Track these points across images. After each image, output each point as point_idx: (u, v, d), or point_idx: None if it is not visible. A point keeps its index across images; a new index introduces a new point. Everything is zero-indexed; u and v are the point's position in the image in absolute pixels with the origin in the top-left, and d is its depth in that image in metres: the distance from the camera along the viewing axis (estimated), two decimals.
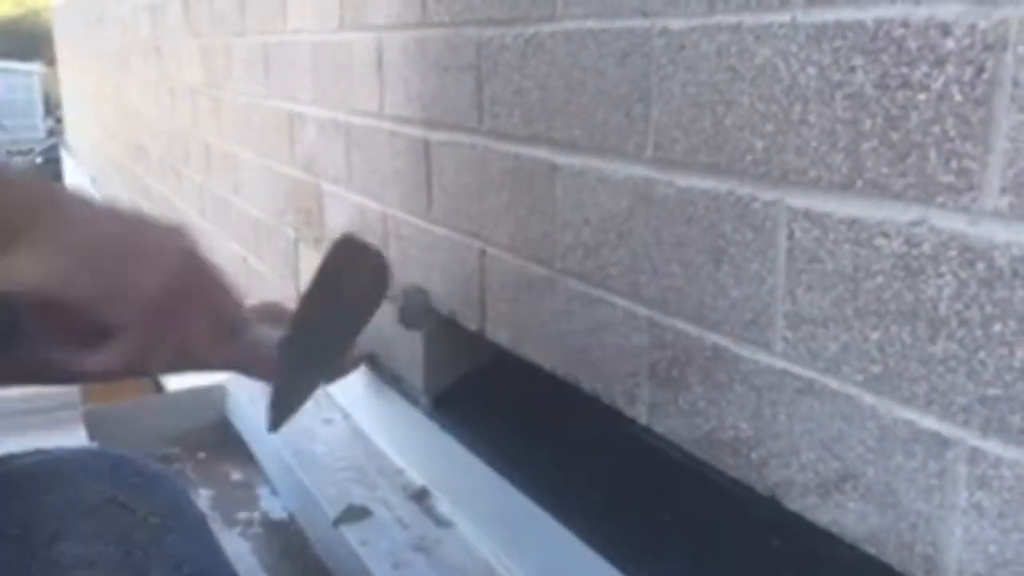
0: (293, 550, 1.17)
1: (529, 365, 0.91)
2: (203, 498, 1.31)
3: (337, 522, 1.06)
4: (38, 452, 0.98)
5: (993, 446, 0.47)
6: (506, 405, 1.06)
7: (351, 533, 1.04)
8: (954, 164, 0.48)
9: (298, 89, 1.46)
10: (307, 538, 1.17)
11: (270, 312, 1.12)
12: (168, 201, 2.62)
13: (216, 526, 1.23)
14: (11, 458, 0.96)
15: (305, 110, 1.44)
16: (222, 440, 1.47)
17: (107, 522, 0.87)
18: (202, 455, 1.44)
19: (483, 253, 0.96)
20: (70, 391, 1.41)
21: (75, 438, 1.31)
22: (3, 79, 11.11)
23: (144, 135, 2.93)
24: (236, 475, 1.37)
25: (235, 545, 1.19)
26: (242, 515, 1.26)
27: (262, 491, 1.32)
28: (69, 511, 0.87)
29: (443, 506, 1.08)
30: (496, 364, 1.07)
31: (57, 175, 6.24)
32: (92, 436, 1.34)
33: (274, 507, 1.28)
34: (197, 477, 1.37)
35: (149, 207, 2.93)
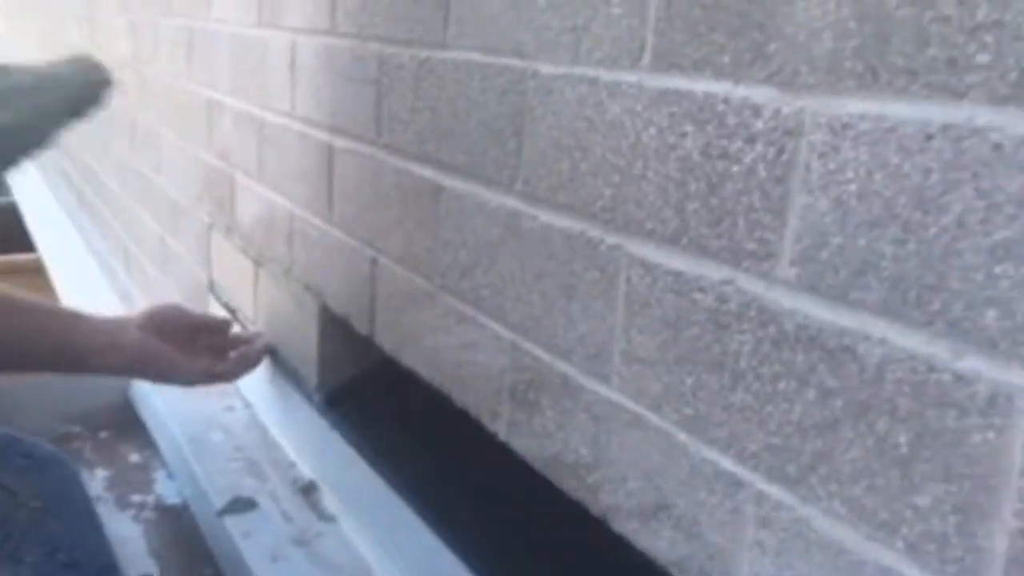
0: (183, 537, 1.20)
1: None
2: (99, 479, 1.33)
3: (222, 512, 1.09)
4: None
5: (775, 491, 0.52)
6: (394, 407, 1.10)
7: (235, 524, 1.07)
8: (757, 234, 0.52)
9: (218, 77, 1.48)
10: (197, 525, 1.20)
11: (165, 316, 1.16)
12: (93, 172, 2.60)
13: (108, 508, 1.25)
14: None
15: (223, 99, 1.46)
16: (124, 421, 1.48)
17: None
18: (103, 435, 1.45)
19: (375, 261, 1.00)
20: None
21: None
22: None
23: None
24: (135, 457, 1.39)
25: (125, 529, 1.21)
26: (136, 498, 1.28)
27: (159, 475, 1.34)
28: None
29: (328, 501, 1.11)
30: (388, 366, 1.11)
31: None
32: None
33: (169, 492, 1.29)
34: (95, 457, 1.39)
35: (75, 175, 2.90)
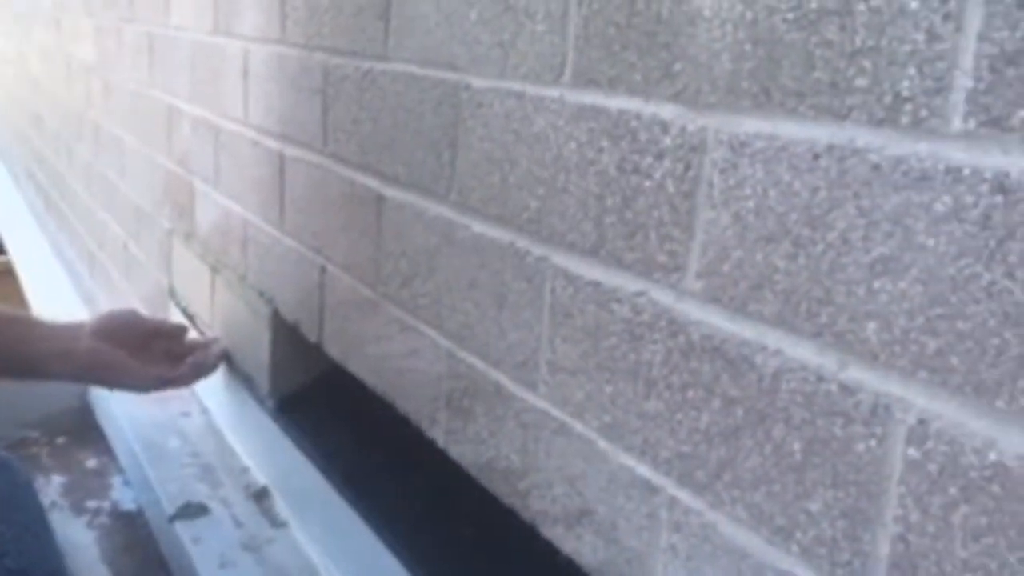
0: (137, 543, 1.20)
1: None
2: (55, 484, 1.33)
3: (173, 518, 1.09)
4: None
5: (685, 496, 0.54)
6: (344, 413, 1.11)
7: (186, 530, 1.07)
8: (667, 247, 0.54)
9: (177, 83, 1.48)
10: (151, 531, 1.20)
11: (120, 322, 1.17)
12: (59, 175, 2.59)
13: (63, 515, 1.25)
14: None
15: (182, 105, 1.46)
16: (83, 426, 1.49)
17: None
18: (61, 440, 1.45)
19: (323, 269, 1.01)
20: None
21: None
22: None
23: (42, 106, 2.88)
24: (92, 463, 1.39)
25: (79, 535, 1.21)
26: (91, 504, 1.28)
27: (115, 480, 1.34)
28: None
29: (280, 507, 1.12)
30: (339, 372, 1.12)
31: None
32: None
33: (125, 498, 1.30)
34: (52, 463, 1.39)
35: (42, 178, 2.89)
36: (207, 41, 1.32)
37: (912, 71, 0.40)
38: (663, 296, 0.55)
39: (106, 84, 2.00)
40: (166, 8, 1.51)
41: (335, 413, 1.11)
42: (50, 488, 1.31)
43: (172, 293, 1.56)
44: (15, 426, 1.45)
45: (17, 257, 2.76)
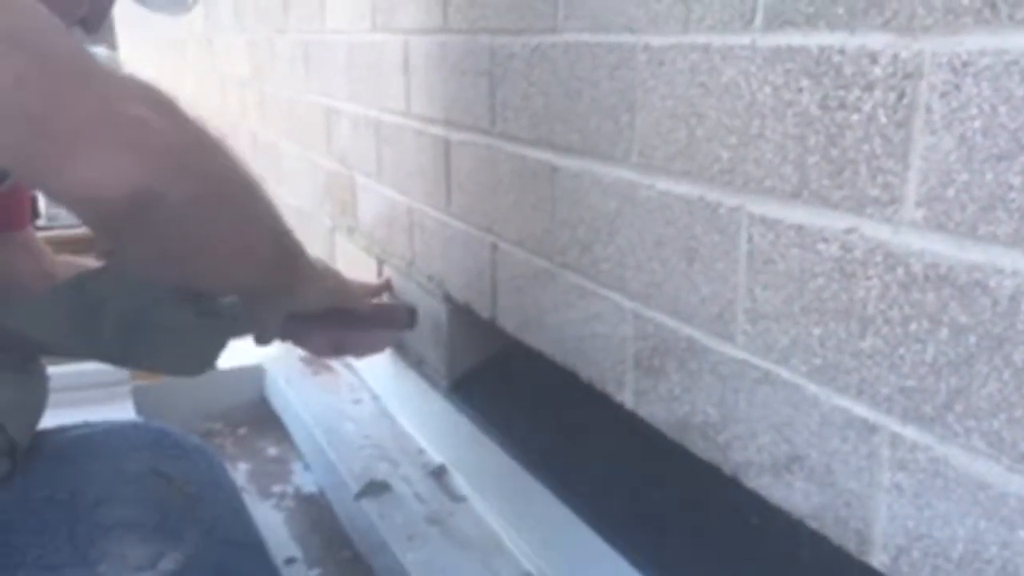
0: (322, 522, 1.25)
1: (539, 352, 0.98)
2: (241, 471, 1.40)
3: (359, 496, 1.13)
4: (86, 425, 1.08)
5: (910, 432, 0.53)
6: (518, 389, 1.13)
7: (371, 506, 1.11)
8: (880, 179, 0.53)
9: (334, 85, 1.54)
10: (333, 511, 1.25)
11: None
12: None
13: (252, 498, 1.31)
14: (62, 430, 1.06)
15: (341, 106, 1.52)
16: (260, 417, 1.56)
17: (147, 489, 0.96)
18: (242, 431, 1.53)
19: (494, 247, 1.03)
20: (120, 369, 1.50)
21: (124, 413, 1.41)
22: None
23: (203, 116, 3.04)
24: (272, 451, 1.46)
25: (269, 516, 1.27)
26: (276, 488, 1.35)
27: (296, 466, 1.40)
28: (112, 479, 0.96)
29: (458, 483, 1.15)
30: (510, 350, 1.14)
31: None
32: (140, 411, 1.43)
33: (306, 481, 1.36)
34: (236, 451, 1.46)
35: None
36: (365, 40, 1.37)
37: None
38: (877, 230, 0.54)
39: (261, 95, 2.09)
40: (321, 14, 1.57)
41: (509, 389, 1.13)
42: (237, 475, 1.38)
43: None
44: (200, 418, 1.54)
45: None
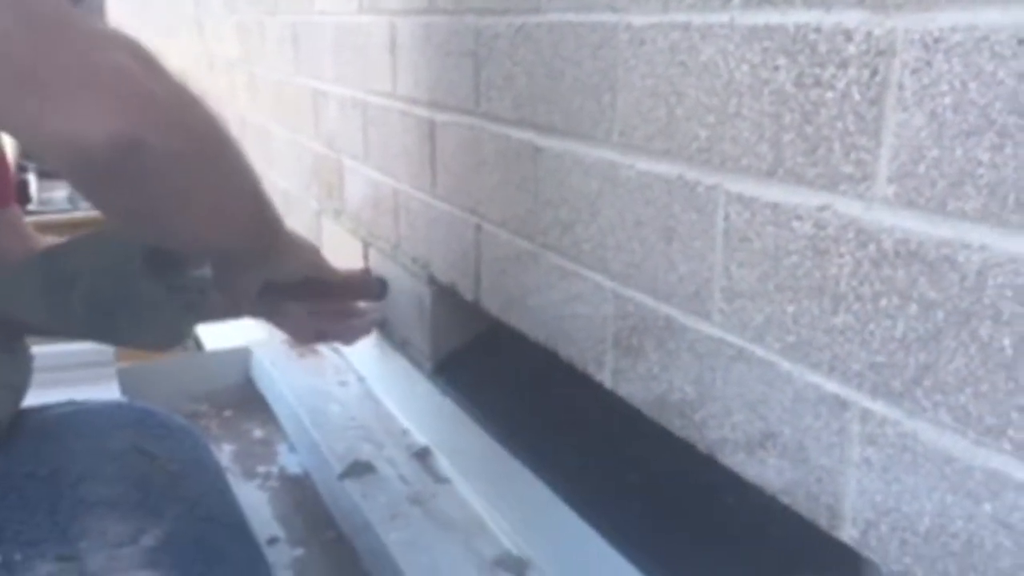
0: (305, 502, 1.26)
1: (522, 334, 0.98)
2: (226, 452, 1.40)
3: (342, 476, 1.14)
4: (70, 403, 1.08)
5: (879, 407, 0.53)
6: (501, 370, 1.13)
7: (355, 487, 1.12)
8: (853, 156, 0.53)
9: (322, 67, 1.54)
10: (317, 491, 1.26)
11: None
12: None
13: (236, 478, 1.32)
14: (46, 408, 1.06)
15: (328, 88, 1.52)
16: (246, 399, 1.56)
17: (129, 467, 0.96)
18: (227, 413, 1.53)
19: (478, 228, 1.03)
20: (106, 349, 1.50)
21: (108, 393, 1.41)
22: None
23: None
24: (258, 432, 1.46)
25: (253, 496, 1.28)
26: (261, 469, 1.35)
27: (281, 448, 1.41)
28: (95, 456, 0.96)
29: (442, 464, 1.16)
30: (494, 332, 1.14)
31: None
32: (124, 392, 1.43)
33: (291, 463, 1.36)
34: (221, 433, 1.46)
35: None
36: (351, 21, 1.37)
37: None
38: (850, 207, 0.54)
39: (250, 77, 2.09)
40: None
41: (492, 371, 1.14)
42: (222, 455, 1.38)
43: None
44: (186, 400, 1.54)
45: None
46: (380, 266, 1.34)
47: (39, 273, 0.95)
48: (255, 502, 1.26)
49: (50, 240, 1.13)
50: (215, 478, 1.09)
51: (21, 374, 1.05)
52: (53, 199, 3.28)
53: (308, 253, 1.08)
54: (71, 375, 1.41)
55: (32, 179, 3.39)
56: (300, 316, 1.19)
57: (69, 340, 1.40)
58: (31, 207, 3.26)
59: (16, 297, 0.96)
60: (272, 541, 1.14)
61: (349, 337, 1.29)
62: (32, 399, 1.05)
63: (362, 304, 1.34)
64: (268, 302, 1.09)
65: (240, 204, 0.82)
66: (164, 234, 0.80)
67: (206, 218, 0.77)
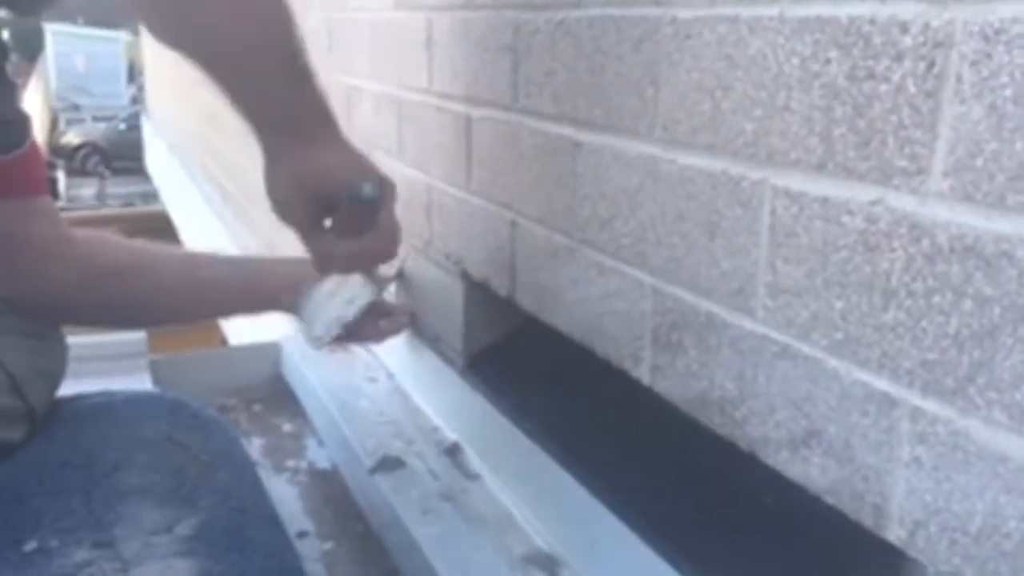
0: (335, 497, 1.26)
1: (556, 330, 0.98)
2: (255, 446, 1.41)
3: (373, 471, 1.14)
4: (105, 393, 1.08)
5: (931, 405, 0.52)
6: (534, 367, 1.13)
7: (385, 482, 1.12)
8: (907, 150, 0.53)
9: (356, 64, 1.54)
10: (347, 486, 1.26)
11: None
12: (240, 168, 2.74)
13: (266, 472, 1.32)
14: (81, 397, 1.06)
15: (362, 84, 1.52)
16: (276, 394, 1.57)
17: (162, 457, 0.96)
18: (257, 407, 1.54)
19: (514, 223, 1.03)
20: (138, 340, 1.51)
21: (141, 384, 1.41)
22: (89, 46, 11.45)
23: (217, 105, 3.05)
24: (287, 427, 1.46)
25: (282, 490, 1.28)
26: (290, 463, 1.35)
27: (310, 442, 1.41)
28: (129, 445, 0.96)
29: (472, 460, 1.15)
30: (526, 328, 1.14)
31: (138, 142, 6.48)
32: (156, 383, 1.44)
33: (320, 457, 1.36)
34: (251, 427, 1.47)
35: (218, 172, 3.06)
36: (387, 17, 1.37)
37: None
38: (903, 202, 0.53)
39: None
40: None
41: (524, 368, 1.13)
42: (251, 449, 1.39)
43: None
44: (216, 393, 1.54)
45: (195, 247, 2.93)
46: (412, 262, 1.34)
47: None
48: (285, 496, 1.26)
49: (80, 231, 1.15)
50: (245, 470, 1.09)
51: (57, 363, 1.06)
52: (81, 196, 3.33)
53: (355, 155, 1.04)
54: (104, 366, 1.42)
55: (61, 176, 3.44)
56: (332, 242, 1.10)
57: (104, 330, 1.41)
58: (60, 204, 3.30)
59: None
60: (302, 535, 1.14)
61: (378, 338, 1.29)
62: (66, 389, 1.06)
63: (391, 303, 1.34)
64: (311, 213, 1.08)
65: (280, 39, 0.99)
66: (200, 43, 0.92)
67: (242, 35, 0.92)
